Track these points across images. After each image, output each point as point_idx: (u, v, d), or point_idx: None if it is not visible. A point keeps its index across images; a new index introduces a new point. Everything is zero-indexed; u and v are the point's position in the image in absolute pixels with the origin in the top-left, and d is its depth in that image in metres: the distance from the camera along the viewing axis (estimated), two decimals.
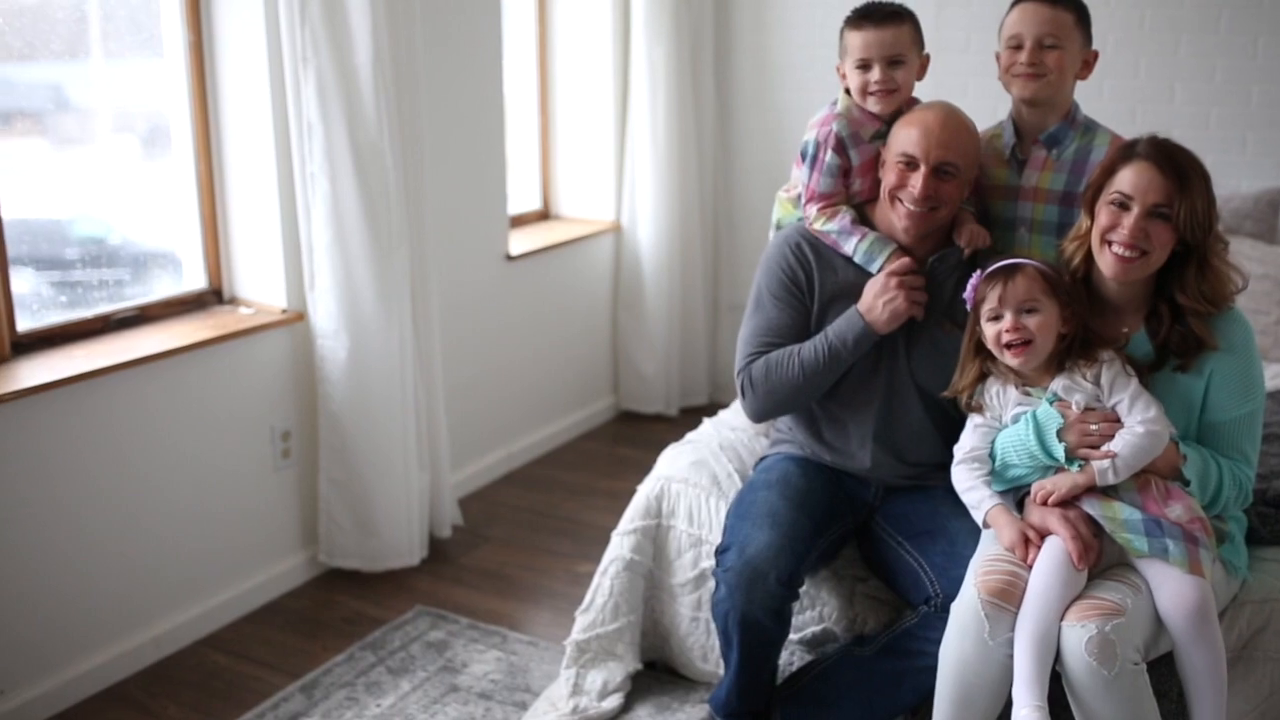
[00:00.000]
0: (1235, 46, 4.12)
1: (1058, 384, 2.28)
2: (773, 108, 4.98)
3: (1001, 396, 2.35)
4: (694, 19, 4.81)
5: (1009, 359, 2.28)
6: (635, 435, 4.87)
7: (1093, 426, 2.23)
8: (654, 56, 4.68)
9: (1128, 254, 2.22)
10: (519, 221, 4.71)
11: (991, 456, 2.37)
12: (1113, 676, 2.08)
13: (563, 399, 4.78)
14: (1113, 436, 2.22)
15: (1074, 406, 2.26)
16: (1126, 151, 2.26)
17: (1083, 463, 2.23)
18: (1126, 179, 2.22)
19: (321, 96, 3.24)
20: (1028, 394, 2.31)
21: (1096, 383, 2.26)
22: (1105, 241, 2.25)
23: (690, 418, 4.66)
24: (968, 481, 2.37)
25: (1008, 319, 2.26)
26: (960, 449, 2.41)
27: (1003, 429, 2.35)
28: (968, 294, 2.34)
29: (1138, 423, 2.21)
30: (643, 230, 4.85)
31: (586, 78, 4.80)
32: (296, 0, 3.18)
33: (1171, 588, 2.14)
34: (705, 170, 5.01)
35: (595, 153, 4.87)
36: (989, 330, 2.30)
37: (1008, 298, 2.25)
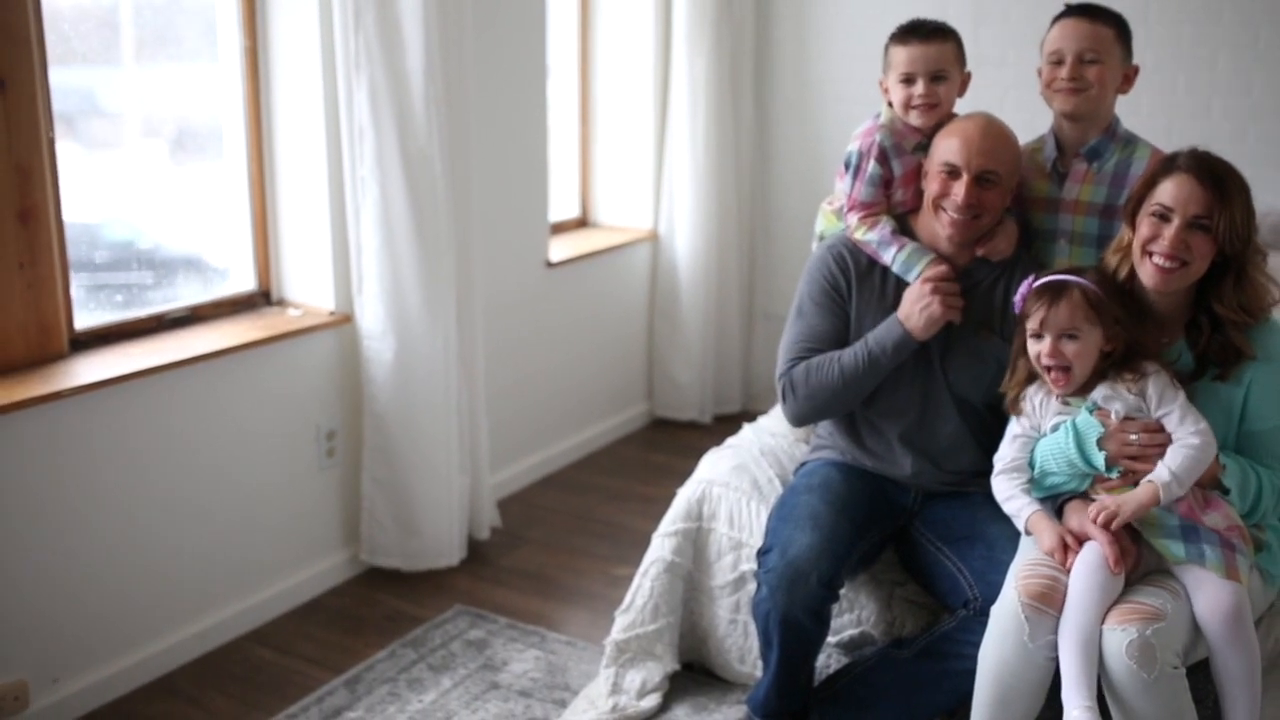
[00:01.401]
0: (1273, 62, 4.15)
1: (1098, 393, 2.31)
2: (811, 120, 5.03)
3: (1043, 406, 2.38)
4: (735, 31, 4.87)
5: (1047, 380, 2.32)
6: (669, 442, 4.92)
7: (1132, 436, 2.26)
8: (694, 68, 4.74)
9: (1168, 264, 2.26)
10: (558, 229, 4.76)
11: (1030, 465, 2.41)
12: (1152, 679, 2.11)
13: (598, 405, 4.84)
14: (1153, 446, 2.24)
15: (1113, 415, 2.29)
16: (1167, 164, 2.31)
17: (1121, 470, 2.26)
18: (1167, 191, 2.26)
19: (373, 103, 3.31)
20: (1067, 404, 2.34)
21: (1141, 395, 2.27)
22: (1146, 253, 2.29)
23: (724, 426, 4.72)
24: (1008, 491, 2.40)
25: (1047, 343, 2.28)
26: (1000, 460, 2.44)
27: (1040, 439, 2.39)
28: (1016, 300, 2.36)
29: (1191, 434, 2.22)
30: (680, 239, 4.91)
31: (627, 88, 4.86)
32: (351, 8, 3.25)
33: (1208, 592, 2.17)
34: (743, 181, 5.06)
35: (634, 162, 4.93)
36: (1031, 347, 2.33)
37: (1049, 322, 2.27)
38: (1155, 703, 2.13)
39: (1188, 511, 2.24)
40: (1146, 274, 2.30)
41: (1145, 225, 2.29)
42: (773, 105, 5.11)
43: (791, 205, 5.15)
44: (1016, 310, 2.37)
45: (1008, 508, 2.40)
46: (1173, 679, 2.13)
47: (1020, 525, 2.37)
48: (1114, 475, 2.27)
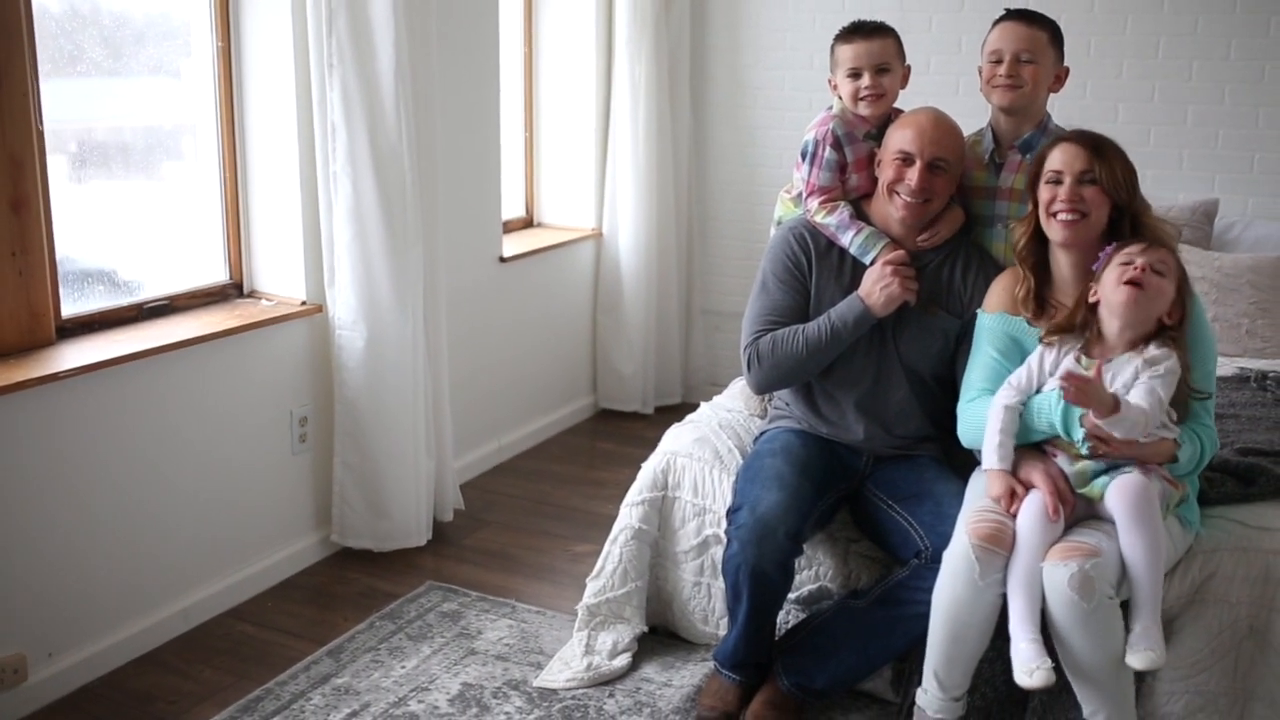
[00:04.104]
0: (1172, 70, 4.51)
1: (1117, 362, 2.49)
2: (744, 125, 5.29)
3: (1055, 365, 2.55)
4: (673, 40, 5.12)
5: (1121, 297, 2.45)
6: (614, 431, 5.13)
7: None
8: (635, 75, 4.98)
9: (1071, 217, 2.56)
10: (505, 228, 4.94)
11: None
12: (1092, 609, 2.36)
13: (547, 396, 5.03)
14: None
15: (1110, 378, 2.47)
16: (1052, 141, 2.65)
17: (1091, 444, 2.48)
18: (1055, 158, 2.60)
19: (346, 102, 3.47)
20: (1079, 362, 2.52)
21: (1151, 363, 2.45)
22: (1050, 214, 2.59)
23: (665, 416, 4.93)
24: (999, 436, 2.57)
25: (1140, 262, 2.45)
26: (1017, 388, 2.58)
27: (1035, 395, 2.58)
28: (1104, 254, 2.51)
29: (1138, 399, 2.42)
30: (623, 238, 5.13)
31: (570, 94, 5.08)
32: (324, 12, 3.41)
33: (1119, 483, 2.44)
34: (681, 183, 5.30)
35: (578, 164, 5.15)
36: (1113, 276, 2.47)
37: (1149, 253, 2.46)
38: (1092, 630, 2.39)
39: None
40: (1055, 232, 2.59)
41: (1044, 191, 2.60)
42: (708, 111, 5.36)
43: (726, 206, 5.41)
44: (1101, 263, 2.51)
45: (989, 441, 2.58)
46: (1109, 608, 2.39)
47: (986, 462, 2.59)
48: (1084, 449, 2.50)
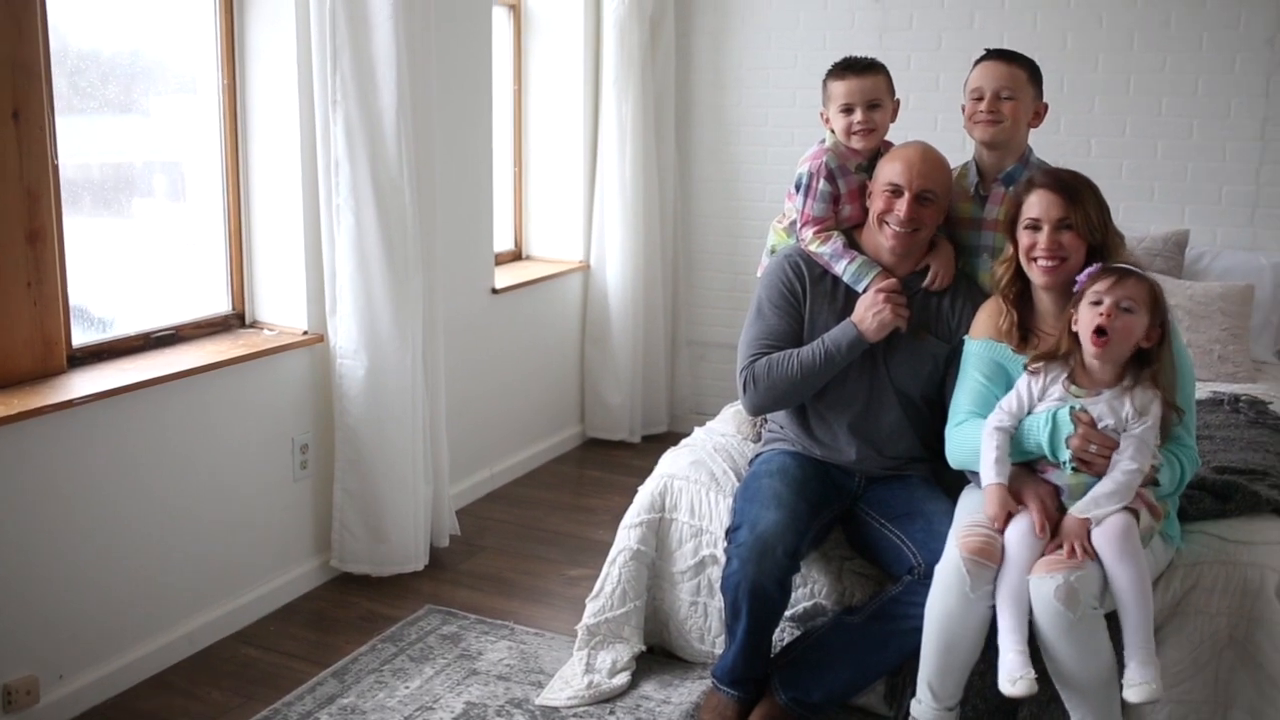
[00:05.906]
0: (1142, 106, 4.69)
1: (1106, 395, 2.59)
2: (728, 161, 5.43)
3: (1046, 389, 2.65)
4: (659, 79, 5.27)
5: (1092, 348, 2.56)
6: (602, 460, 5.23)
7: (1092, 446, 2.58)
8: (622, 112, 5.11)
9: (1051, 263, 2.68)
10: (495, 260, 5.04)
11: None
12: (1077, 619, 2.47)
13: (537, 425, 5.12)
14: (1101, 458, 2.56)
15: (1098, 423, 2.58)
16: (1028, 185, 2.75)
17: (1074, 466, 2.60)
18: (1033, 205, 2.70)
19: (349, 136, 3.57)
20: (1068, 390, 2.62)
21: (1142, 409, 2.56)
22: (1031, 259, 2.71)
23: (652, 445, 5.04)
24: (995, 453, 2.66)
25: (1106, 305, 2.53)
26: (1008, 412, 2.68)
27: (1027, 416, 2.67)
28: (1081, 277, 2.61)
29: (1124, 470, 2.54)
30: (610, 271, 5.24)
31: (559, 130, 5.21)
32: (329, 49, 3.52)
33: (1103, 526, 2.54)
34: (666, 216, 5.43)
35: (566, 198, 5.27)
36: (1087, 314, 2.57)
37: (1115, 290, 2.54)
38: (1078, 640, 2.50)
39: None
40: (1036, 275, 2.71)
41: (1024, 237, 2.72)
42: (693, 147, 5.50)
43: (711, 239, 5.54)
44: (1077, 284, 2.62)
45: (985, 457, 2.66)
46: (1093, 619, 2.50)
47: (984, 480, 2.66)
48: (1067, 470, 2.61)
